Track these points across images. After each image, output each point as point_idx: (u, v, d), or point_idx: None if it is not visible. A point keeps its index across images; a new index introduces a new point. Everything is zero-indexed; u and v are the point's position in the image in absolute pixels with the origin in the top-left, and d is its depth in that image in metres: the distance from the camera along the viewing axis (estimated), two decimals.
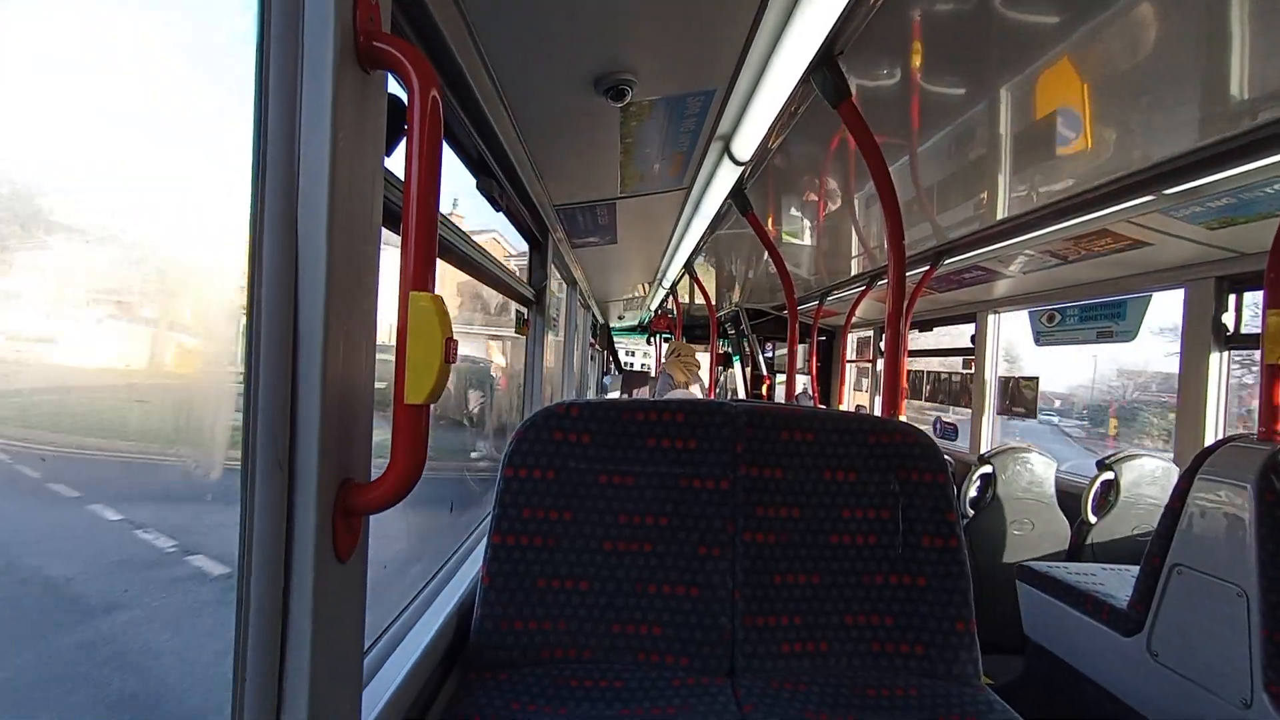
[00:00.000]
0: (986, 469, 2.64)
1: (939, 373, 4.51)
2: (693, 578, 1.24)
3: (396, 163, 0.71)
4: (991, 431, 3.73)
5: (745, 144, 1.76)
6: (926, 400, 4.61)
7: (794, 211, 2.78)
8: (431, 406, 0.64)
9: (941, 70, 1.36)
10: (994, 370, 3.75)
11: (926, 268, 3.14)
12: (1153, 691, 1.52)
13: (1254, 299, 2.29)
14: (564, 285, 3.86)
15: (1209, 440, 2.31)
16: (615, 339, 10.08)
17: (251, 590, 0.57)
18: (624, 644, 1.22)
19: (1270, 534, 1.30)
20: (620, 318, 9.05)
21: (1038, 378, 3.59)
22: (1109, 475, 2.41)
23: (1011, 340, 3.79)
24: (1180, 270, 2.45)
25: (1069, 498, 2.64)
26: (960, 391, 4.14)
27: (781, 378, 6.07)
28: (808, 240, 3.32)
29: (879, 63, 1.34)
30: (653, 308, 7.35)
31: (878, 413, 2.33)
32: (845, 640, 1.26)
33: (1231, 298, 2.32)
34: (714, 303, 5.32)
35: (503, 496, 1.24)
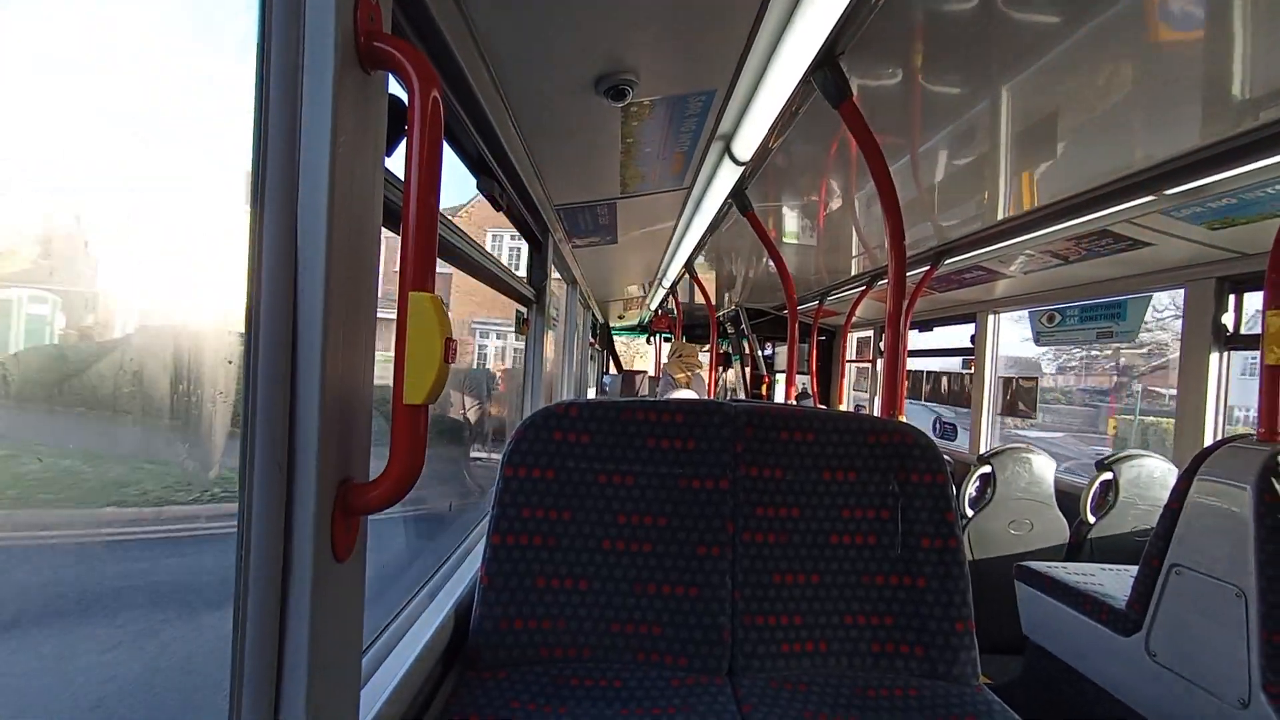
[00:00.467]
0: (986, 469, 2.64)
1: (939, 373, 4.51)
2: (692, 578, 1.25)
3: (397, 163, 0.71)
4: (990, 431, 3.74)
5: (746, 144, 1.76)
6: (926, 400, 4.61)
7: (794, 211, 2.78)
8: (430, 407, 0.64)
9: (943, 70, 1.36)
10: (993, 370, 3.75)
11: (927, 268, 3.14)
12: (1151, 691, 1.52)
13: (1254, 300, 2.29)
14: (564, 285, 3.86)
15: (1208, 441, 2.32)
16: (615, 339, 10.07)
17: (249, 590, 0.57)
18: (623, 644, 1.22)
19: (1269, 535, 1.30)
20: (620, 317, 9.05)
21: (1037, 378, 3.59)
22: (1108, 475, 2.41)
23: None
24: (1180, 270, 2.45)
25: (1068, 498, 2.65)
26: (960, 391, 4.14)
27: (781, 377, 6.08)
28: (808, 240, 3.32)
29: (880, 63, 1.34)
30: (653, 307, 7.35)
31: (877, 413, 2.33)
32: (844, 640, 1.26)
33: (1231, 298, 2.32)
34: (714, 302, 5.32)
35: (502, 496, 1.24)
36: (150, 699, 0.73)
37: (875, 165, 1.52)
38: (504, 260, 2.00)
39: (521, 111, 1.43)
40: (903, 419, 1.57)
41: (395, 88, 0.70)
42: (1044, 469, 2.63)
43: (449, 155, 1.23)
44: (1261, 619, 1.27)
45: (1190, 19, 1.11)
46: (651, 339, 9.70)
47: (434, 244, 0.63)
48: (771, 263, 2.84)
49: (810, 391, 5.80)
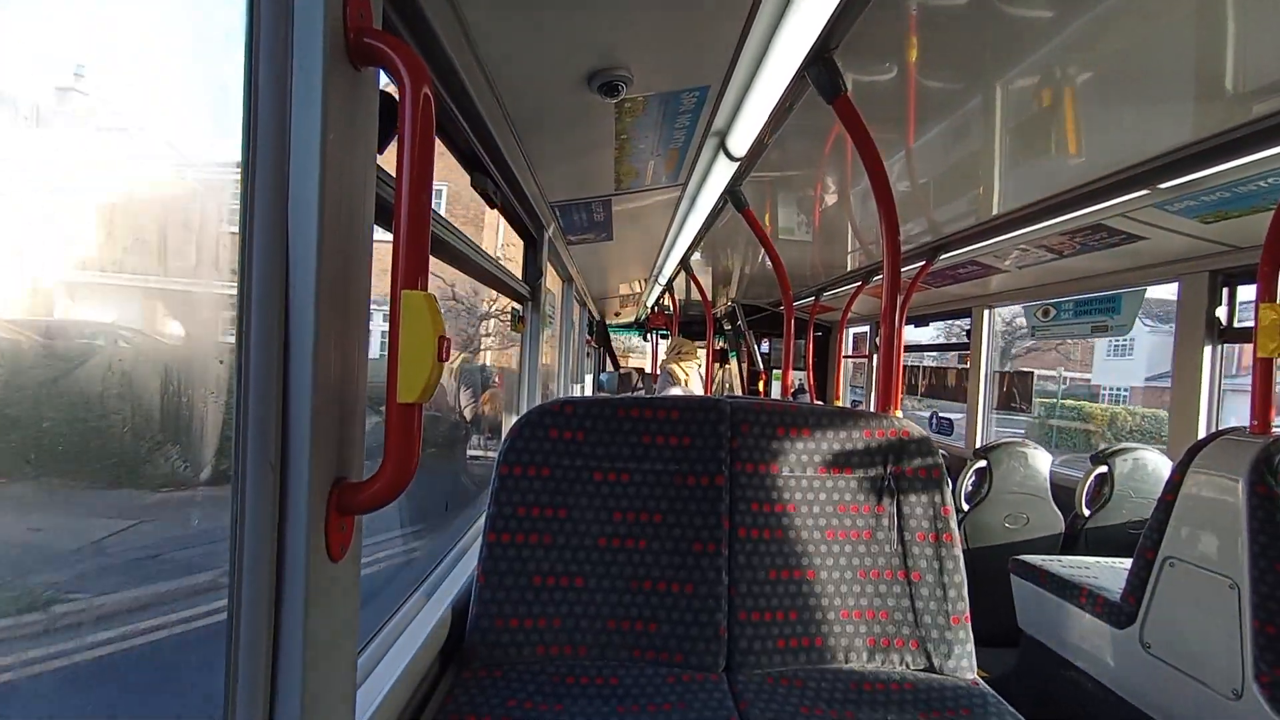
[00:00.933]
0: (982, 463, 2.65)
1: (934, 368, 4.52)
2: (687, 574, 1.25)
3: (389, 160, 0.71)
4: (986, 426, 3.75)
5: (740, 140, 1.75)
6: (922, 395, 4.62)
7: (790, 208, 2.78)
8: (423, 406, 0.63)
9: (936, 65, 1.36)
10: (989, 365, 3.76)
11: (922, 263, 3.15)
12: (1145, 683, 1.53)
13: (1247, 293, 2.30)
14: (560, 282, 3.85)
15: (1202, 434, 2.33)
16: (612, 336, 10.06)
17: (243, 590, 0.56)
18: (619, 641, 1.22)
19: (1262, 526, 1.31)
20: (616, 314, 9.03)
21: (1032, 373, 3.60)
22: (1103, 469, 2.42)
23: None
24: (1174, 264, 2.46)
25: (1063, 492, 2.66)
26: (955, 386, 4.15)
27: (777, 373, 6.08)
28: (804, 236, 3.31)
29: (874, 58, 1.33)
30: (649, 304, 7.34)
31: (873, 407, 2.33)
32: (840, 635, 1.26)
33: (1225, 291, 2.33)
34: (710, 299, 5.32)
35: (497, 494, 1.24)
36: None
37: (870, 161, 1.51)
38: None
39: (514, 108, 1.42)
40: (898, 414, 1.57)
41: (386, 83, 0.70)
42: (1039, 463, 2.64)
43: (442, 152, 1.22)
44: (1254, 610, 1.28)
45: (1183, 13, 1.11)
46: (648, 336, 9.68)
47: (426, 241, 0.63)
48: (767, 259, 2.84)
49: (806, 387, 5.81)
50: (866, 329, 5.85)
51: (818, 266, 4.15)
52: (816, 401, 4.97)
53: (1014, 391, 3.64)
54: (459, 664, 1.21)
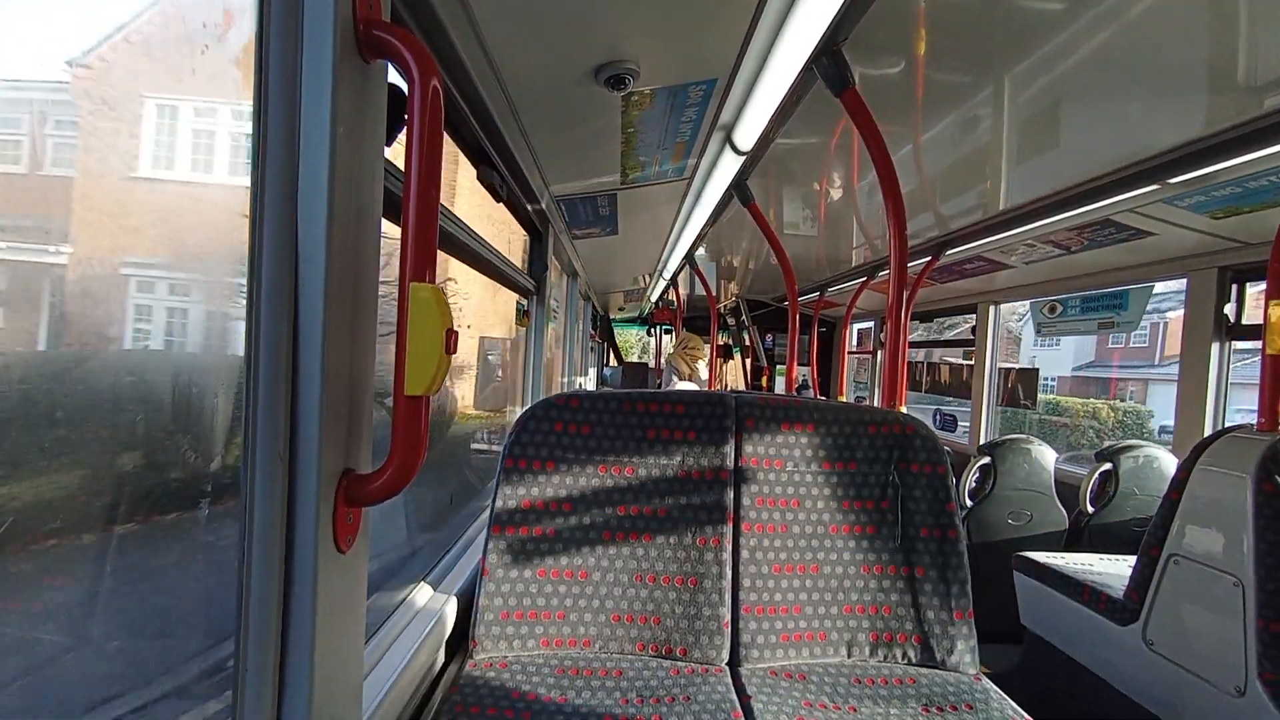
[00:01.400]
0: (986, 460, 2.64)
1: (939, 364, 4.51)
2: (692, 568, 1.25)
3: (397, 153, 0.71)
4: (990, 422, 3.74)
5: (747, 134, 1.74)
6: (926, 392, 4.61)
7: (796, 202, 2.76)
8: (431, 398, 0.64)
9: (945, 58, 1.35)
10: (994, 362, 3.75)
11: (928, 259, 3.13)
12: (1148, 680, 1.53)
13: (1257, 289, 2.28)
14: (564, 276, 3.85)
15: (1208, 431, 2.32)
16: (616, 331, 10.07)
17: (253, 581, 0.57)
18: (623, 634, 1.23)
19: (1268, 524, 1.31)
20: (621, 309, 9.03)
21: (1037, 369, 3.59)
22: (1107, 466, 2.41)
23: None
24: (1183, 260, 2.44)
25: (1067, 489, 2.65)
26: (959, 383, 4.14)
27: (781, 368, 6.07)
28: (809, 231, 3.30)
29: (882, 51, 1.32)
30: (653, 299, 7.34)
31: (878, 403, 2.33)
32: (844, 630, 1.27)
33: (1234, 288, 2.31)
34: (715, 294, 5.31)
35: (502, 487, 1.24)
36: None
37: (877, 155, 1.51)
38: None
39: (521, 101, 1.42)
40: (903, 409, 1.57)
41: (395, 77, 0.70)
42: (1044, 460, 2.64)
43: (449, 145, 1.22)
44: (1259, 608, 1.28)
45: (1194, 5, 1.10)
46: (652, 331, 9.68)
47: (434, 235, 0.63)
48: (772, 254, 2.83)
49: (811, 383, 5.80)
50: (871, 325, 5.84)
51: (823, 261, 4.14)
52: (820, 397, 4.96)
53: (1018, 389, 3.61)
54: (464, 656, 1.22)
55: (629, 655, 1.22)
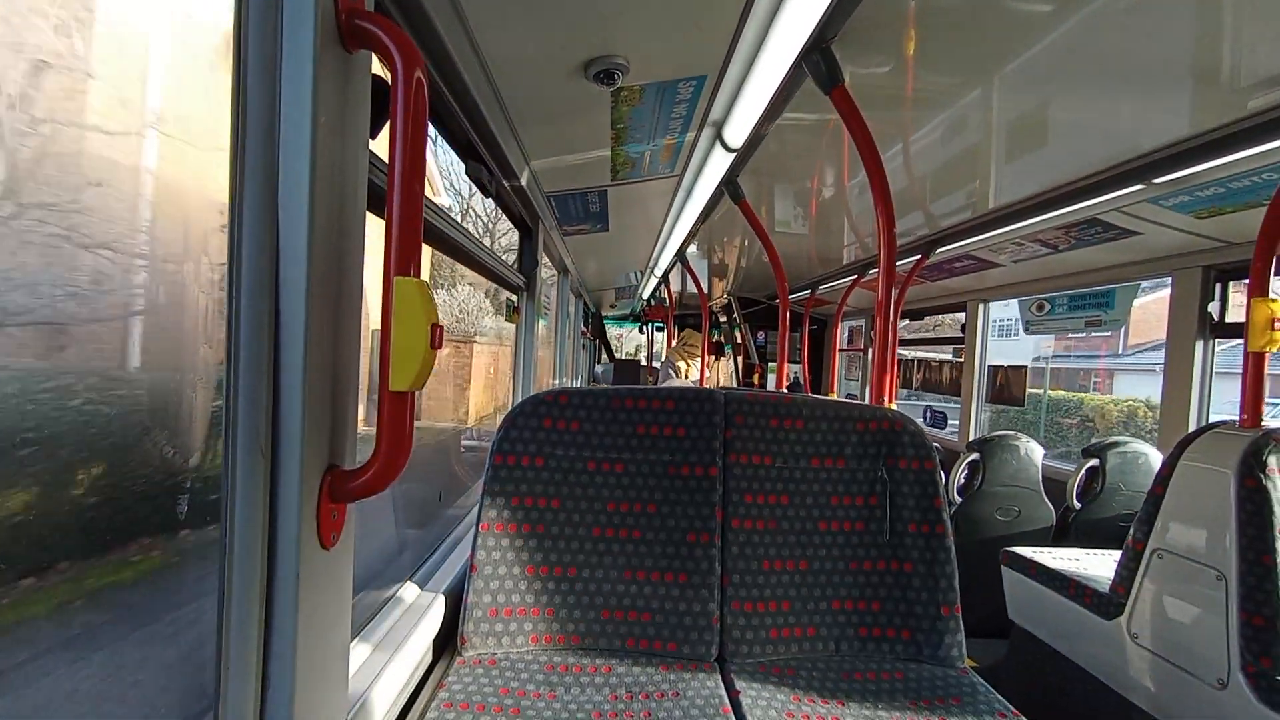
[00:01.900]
0: (974, 456, 2.66)
1: (929, 360, 4.54)
2: (681, 564, 1.25)
3: (381, 146, 0.70)
4: (978, 419, 3.77)
5: (737, 131, 1.74)
6: (916, 389, 4.64)
7: (786, 200, 2.77)
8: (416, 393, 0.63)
9: (935, 57, 1.36)
10: (983, 359, 3.77)
11: (918, 257, 3.15)
12: (1133, 673, 1.55)
13: (1241, 288, 2.31)
14: (555, 273, 3.84)
15: (1193, 427, 2.35)
16: (607, 327, 10.06)
17: (234, 580, 0.56)
18: (612, 630, 1.23)
19: (1250, 519, 1.32)
20: (613, 306, 9.02)
21: (1026, 366, 3.62)
22: (1094, 462, 2.44)
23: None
24: (1168, 259, 2.47)
25: (1055, 485, 2.68)
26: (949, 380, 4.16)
27: (773, 365, 6.09)
28: (800, 229, 3.31)
29: (872, 49, 1.33)
30: (645, 296, 7.34)
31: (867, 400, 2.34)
32: (832, 625, 1.27)
33: (1218, 287, 2.34)
34: (706, 291, 5.31)
35: (491, 484, 1.24)
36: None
37: (867, 153, 1.51)
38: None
39: (510, 95, 1.41)
40: (892, 406, 1.58)
41: (379, 68, 0.69)
42: (1032, 456, 2.66)
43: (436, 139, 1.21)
44: (1241, 601, 1.30)
45: (1179, 8, 1.11)
46: (643, 328, 9.68)
47: (419, 228, 0.62)
48: (763, 252, 2.83)
49: (802, 380, 5.83)
50: (862, 322, 5.87)
51: (813, 259, 4.15)
52: (810, 394, 4.98)
53: (1006, 386, 3.64)
54: (452, 653, 1.21)
55: (618, 652, 1.22)
